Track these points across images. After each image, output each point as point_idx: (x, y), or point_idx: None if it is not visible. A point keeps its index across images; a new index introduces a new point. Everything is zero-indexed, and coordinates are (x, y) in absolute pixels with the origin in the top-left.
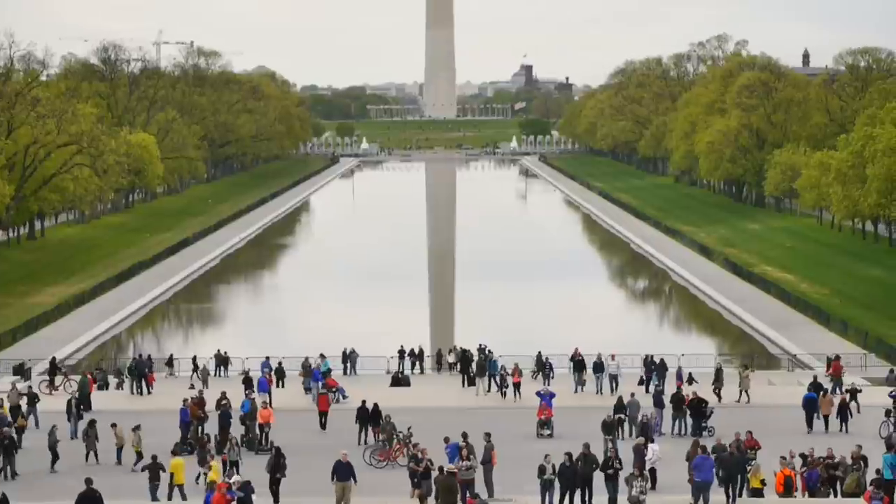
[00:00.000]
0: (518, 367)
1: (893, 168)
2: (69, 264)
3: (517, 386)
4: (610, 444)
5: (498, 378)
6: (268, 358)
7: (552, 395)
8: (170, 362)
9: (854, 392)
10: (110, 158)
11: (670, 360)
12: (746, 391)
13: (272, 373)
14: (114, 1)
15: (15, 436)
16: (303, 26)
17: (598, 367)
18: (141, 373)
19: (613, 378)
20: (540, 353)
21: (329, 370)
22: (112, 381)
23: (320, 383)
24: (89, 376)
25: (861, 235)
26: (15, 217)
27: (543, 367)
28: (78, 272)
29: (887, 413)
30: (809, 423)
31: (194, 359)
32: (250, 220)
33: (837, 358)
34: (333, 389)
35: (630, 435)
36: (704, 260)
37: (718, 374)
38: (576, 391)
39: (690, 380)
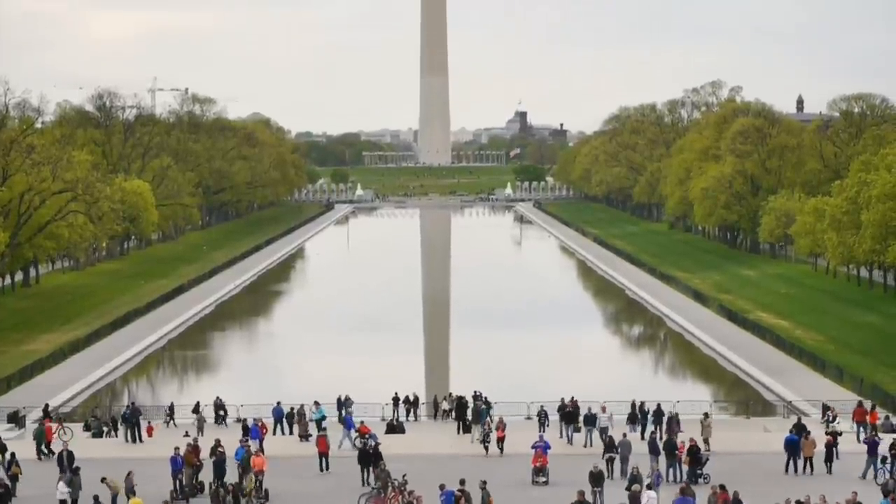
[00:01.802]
0: (503, 421)
1: (888, 214)
2: (64, 311)
3: (501, 441)
4: (598, 497)
5: (484, 429)
6: (279, 403)
7: (547, 447)
8: (171, 411)
9: (835, 434)
10: (105, 205)
11: (665, 407)
12: (707, 440)
13: (283, 418)
14: (109, 48)
15: (9, 483)
16: (298, 73)
17: (590, 420)
18: (135, 421)
19: (604, 431)
20: (634, 401)
21: (324, 417)
22: (105, 428)
23: (353, 430)
24: (48, 425)
25: (856, 282)
26: (10, 264)
27: (636, 419)
28: (73, 319)
29: (883, 460)
30: (787, 466)
31: (197, 406)
32: (245, 267)
33: (860, 404)
34: (366, 436)
35: (621, 475)
36: (699, 306)
37: (703, 421)
38: (569, 442)
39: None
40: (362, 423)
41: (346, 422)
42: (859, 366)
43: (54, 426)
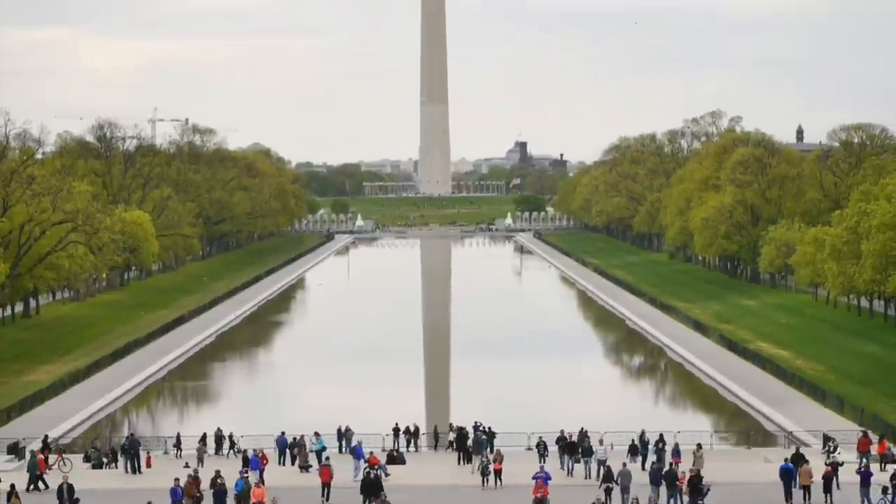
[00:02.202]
0: (500, 453)
1: (888, 244)
2: (64, 342)
3: (498, 473)
4: None
5: (483, 460)
6: (283, 433)
7: (548, 478)
8: (178, 441)
9: (836, 465)
10: (105, 236)
11: (666, 438)
12: (699, 471)
13: (287, 448)
14: (109, 79)
15: None
16: (298, 103)
17: (588, 452)
18: (135, 452)
19: (602, 463)
20: (636, 435)
21: (324, 448)
22: (105, 459)
23: (363, 461)
24: (39, 456)
25: (857, 311)
26: (10, 295)
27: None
28: (73, 350)
29: (884, 490)
30: (787, 495)
31: (203, 437)
32: (245, 298)
33: (865, 434)
34: (376, 467)
35: None
36: (700, 336)
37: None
38: (569, 474)
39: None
40: (371, 453)
41: (355, 452)
42: (860, 396)
43: (53, 458)
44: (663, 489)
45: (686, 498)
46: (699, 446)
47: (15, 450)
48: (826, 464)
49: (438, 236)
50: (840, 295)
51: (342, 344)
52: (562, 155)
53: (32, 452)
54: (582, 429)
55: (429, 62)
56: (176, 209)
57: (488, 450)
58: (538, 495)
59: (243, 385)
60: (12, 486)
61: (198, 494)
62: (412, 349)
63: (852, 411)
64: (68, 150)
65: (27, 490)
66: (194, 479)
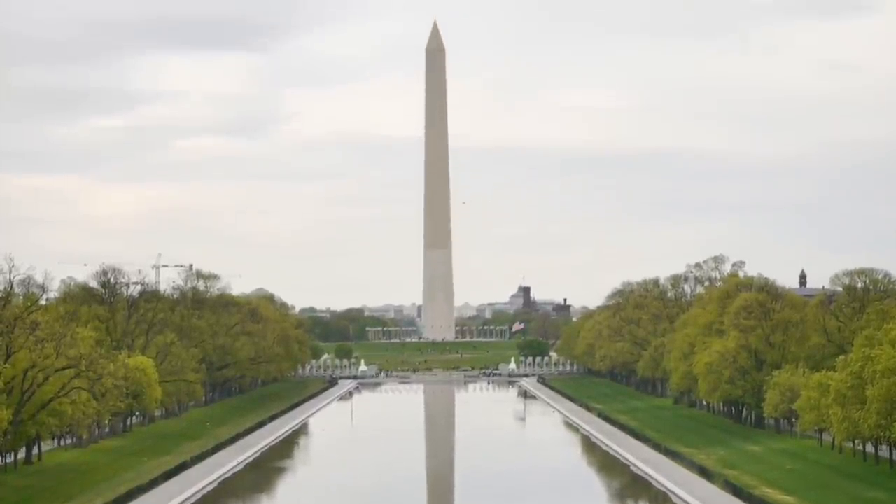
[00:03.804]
0: None
1: (893, 389)
2: (66, 489)
3: None
4: None
5: None
6: None
7: None
8: None
9: None
10: (108, 382)
11: None
12: None
13: None
14: (113, 224)
15: None
16: (301, 249)
17: None
18: None
19: None
20: None
21: None
22: None
23: None
24: None
25: (862, 457)
26: (12, 441)
27: None
28: (75, 497)
29: None
30: None
31: None
32: (248, 443)
33: None
34: None
35: None
36: (705, 482)
37: None
38: None
39: None
40: None
41: None
42: None
43: None
44: None
45: None
46: None
47: None
48: None
49: (442, 381)
50: (845, 440)
51: (345, 490)
52: (565, 300)
53: None
54: None
55: (432, 207)
56: (179, 355)
57: None
58: None
59: None
60: None
61: None
62: (415, 496)
63: None
64: (72, 295)
65: None
66: None
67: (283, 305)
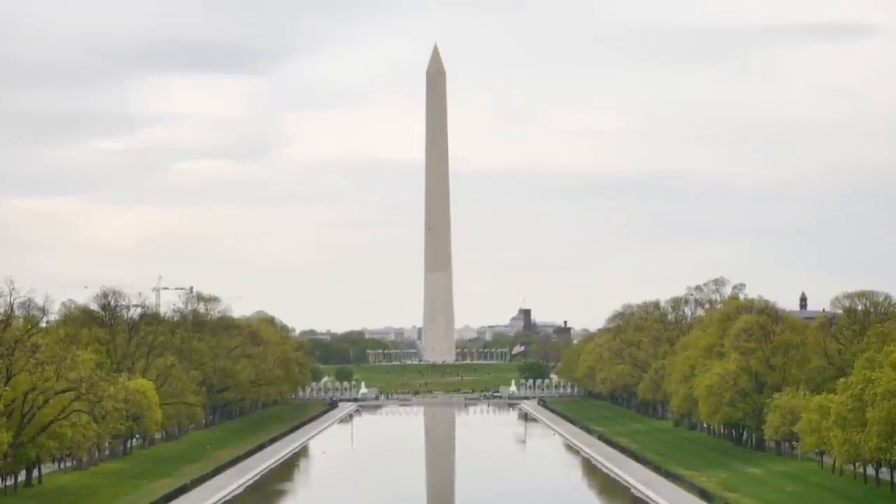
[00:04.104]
0: None
1: (893, 412)
2: None
3: None
4: None
5: None
6: None
7: None
8: None
9: None
10: (108, 404)
11: None
12: None
13: None
14: (114, 247)
15: None
16: (301, 271)
17: None
18: None
19: None
20: None
21: None
22: None
23: None
24: None
25: (863, 479)
26: (12, 464)
27: None
28: None
29: None
30: None
31: None
32: (249, 466)
33: None
34: None
35: None
36: None
37: None
38: None
39: None
40: None
41: None
42: None
43: None
44: None
45: None
46: None
47: None
48: None
49: (442, 404)
50: (846, 463)
51: None
52: (566, 322)
53: None
54: None
55: (432, 230)
56: (179, 377)
57: None
58: None
59: None
60: None
61: None
62: None
63: None
64: (72, 318)
65: None
66: None
67: (284, 328)
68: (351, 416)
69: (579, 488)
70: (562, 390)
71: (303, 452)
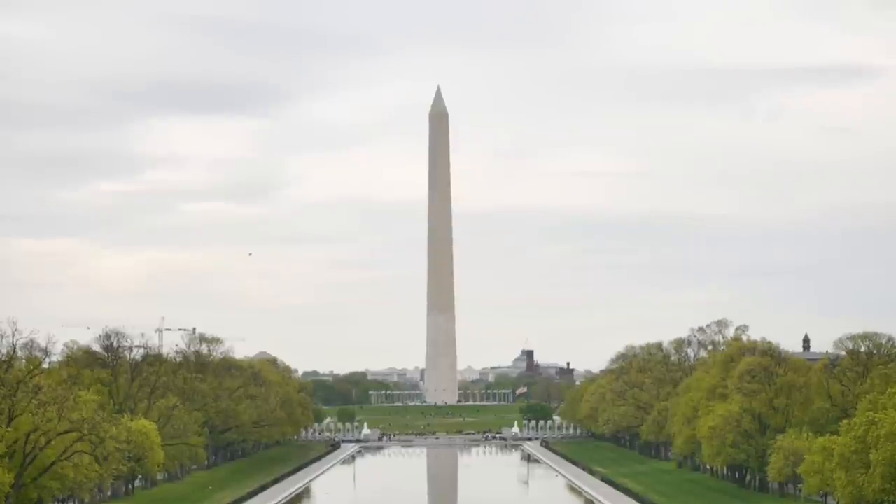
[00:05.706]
0: None
1: None
2: None
3: None
4: None
5: None
6: None
7: None
8: None
9: None
10: (111, 445)
11: None
12: None
13: None
14: (117, 288)
15: None
16: (304, 312)
17: None
18: None
19: None
20: None
21: None
22: None
23: None
24: None
25: None
26: None
27: None
28: None
29: None
30: None
31: None
32: None
33: None
34: None
35: None
36: None
37: None
38: None
39: None
40: None
41: None
42: None
43: None
44: None
45: None
46: None
47: None
48: None
49: (445, 445)
50: None
51: None
52: (568, 363)
53: None
54: None
55: (434, 271)
56: (182, 418)
57: None
58: None
59: None
60: None
61: None
62: None
63: None
64: (75, 359)
65: None
66: None
67: (286, 369)
68: (353, 458)
69: None
70: (564, 431)
71: (305, 493)
